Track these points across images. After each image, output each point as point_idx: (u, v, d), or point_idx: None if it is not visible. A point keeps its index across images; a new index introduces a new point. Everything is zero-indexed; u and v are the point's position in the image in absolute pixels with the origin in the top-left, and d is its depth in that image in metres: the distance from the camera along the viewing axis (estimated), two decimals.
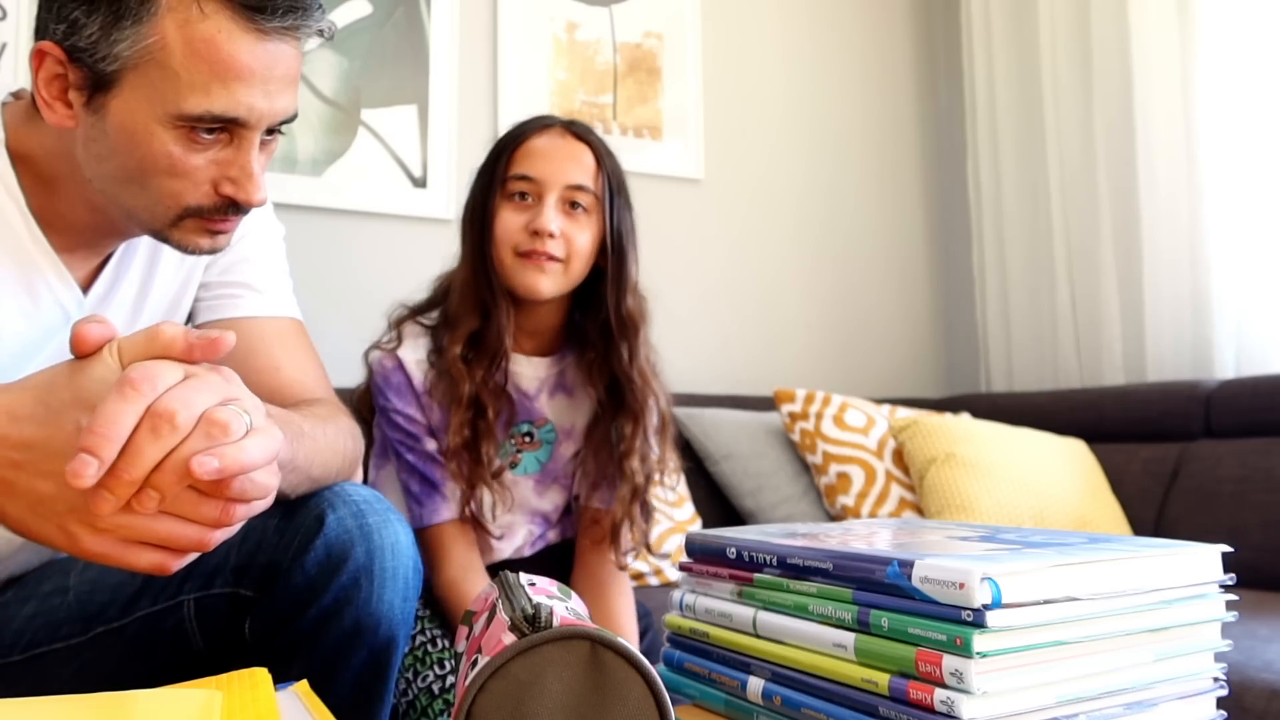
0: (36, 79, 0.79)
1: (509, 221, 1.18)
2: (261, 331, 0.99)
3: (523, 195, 1.18)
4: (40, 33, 0.79)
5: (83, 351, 0.61)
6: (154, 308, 0.97)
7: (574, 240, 1.17)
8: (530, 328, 1.24)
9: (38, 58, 0.78)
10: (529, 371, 1.25)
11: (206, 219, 0.83)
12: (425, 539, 1.19)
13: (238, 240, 0.96)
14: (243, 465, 0.59)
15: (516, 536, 1.27)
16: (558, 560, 1.32)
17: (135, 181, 0.81)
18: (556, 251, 1.16)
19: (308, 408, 0.88)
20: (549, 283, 1.17)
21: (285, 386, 0.96)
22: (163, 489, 0.58)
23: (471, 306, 1.19)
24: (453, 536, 1.20)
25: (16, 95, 0.88)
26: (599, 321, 1.22)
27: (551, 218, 1.16)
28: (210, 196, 0.82)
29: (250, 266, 1.01)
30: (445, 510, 1.20)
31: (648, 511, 1.27)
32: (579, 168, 1.18)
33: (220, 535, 0.63)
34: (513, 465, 1.25)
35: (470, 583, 1.18)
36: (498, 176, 1.20)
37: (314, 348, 1.05)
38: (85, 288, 0.90)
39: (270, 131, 0.83)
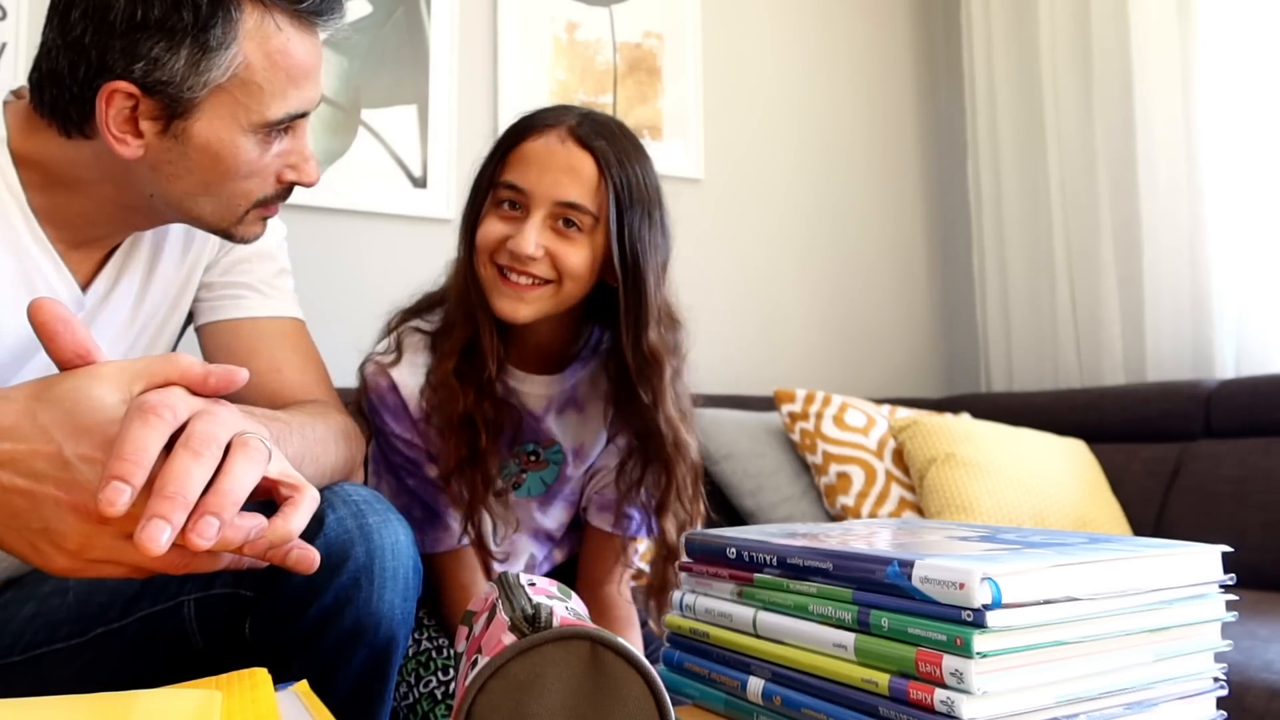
0: (105, 118, 0.78)
1: (491, 231, 1.06)
2: (263, 332, 1.00)
3: (512, 205, 1.06)
4: (104, 72, 0.77)
5: (55, 342, 0.59)
6: (154, 307, 0.97)
7: (563, 259, 1.05)
8: (531, 344, 1.14)
9: (106, 98, 0.77)
10: (535, 390, 1.16)
11: (266, 207, 0.89)
12: (429, 566, 1.16)
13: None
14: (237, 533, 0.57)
15: (519, 560, 1.25)
16: (563, 580, 1.30)
17: (210, 191, 0.84)
18: (540, 272, 1.05)
19: (299, 407, 0.88)
20: (527, 309, 1.05)
21: (286, 387, 0.96)
22: (220, 513, 0.55)
23: (463, 315, 1.10)
24: (458, 564, 1.18)
25: (17, 94, 0.87)
26: (617, 361, 1.10)
27: (531, 239, 1.03)
28: (274, 186, 0.88)
29: (251, 267, 1.01)
30: (448, 539, 1.17)
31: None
32: (574, 182, 1.04)
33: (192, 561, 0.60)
34: (516, 486, 1.20)
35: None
36: (489, 179, 1.09)
37: (315, 348, 1.05)
38: (85, 286, 0.90)
39: None
